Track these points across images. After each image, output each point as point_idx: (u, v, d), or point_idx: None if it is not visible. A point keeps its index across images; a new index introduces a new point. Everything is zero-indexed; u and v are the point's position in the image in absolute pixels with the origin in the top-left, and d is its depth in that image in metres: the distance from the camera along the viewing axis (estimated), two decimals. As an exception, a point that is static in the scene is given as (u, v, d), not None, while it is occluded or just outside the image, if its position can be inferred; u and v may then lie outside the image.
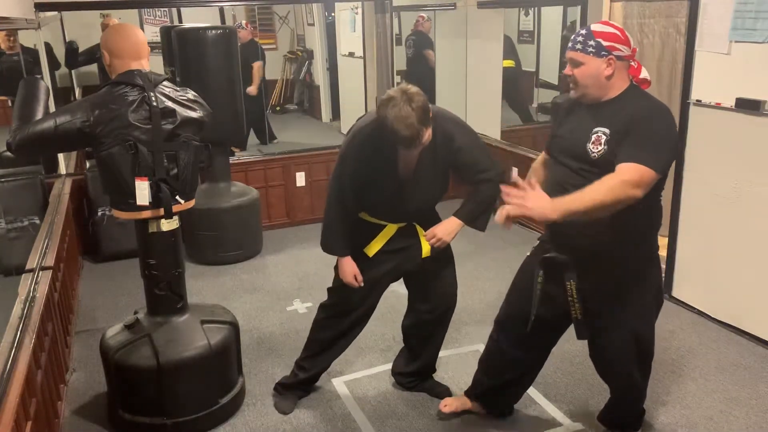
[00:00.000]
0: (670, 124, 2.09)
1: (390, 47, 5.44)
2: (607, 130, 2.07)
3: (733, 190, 3.32)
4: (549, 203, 1.92)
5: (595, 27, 2.09)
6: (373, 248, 2.59)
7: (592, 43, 2.06)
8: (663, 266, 3.90)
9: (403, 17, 7.48)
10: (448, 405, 2.75)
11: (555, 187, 2.21)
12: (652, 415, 2.77)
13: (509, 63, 6.30)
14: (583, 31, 2.10)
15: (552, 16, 7.04)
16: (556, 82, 7.05)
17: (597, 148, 2.08)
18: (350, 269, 2.58)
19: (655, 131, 2.03)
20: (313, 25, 8.98)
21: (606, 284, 2.22)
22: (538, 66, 7.27)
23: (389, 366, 3.09)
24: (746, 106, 3.17)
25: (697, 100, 3.45)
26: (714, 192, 3.43)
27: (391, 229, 2.58)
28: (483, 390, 2.69)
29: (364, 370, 3.17)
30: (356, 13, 7.10)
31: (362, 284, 2.59)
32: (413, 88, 2.24)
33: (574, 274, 2.21)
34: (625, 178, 1.94)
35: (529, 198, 1.92)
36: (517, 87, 6.77)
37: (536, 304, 2.32)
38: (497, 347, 2.56)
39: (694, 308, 3.66)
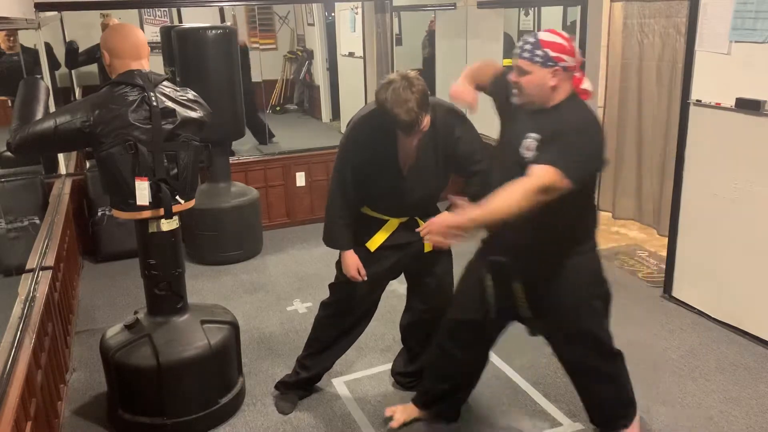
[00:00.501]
0: (596, 139, 2.12)
1: (390, 47, 5.44)
2: (538, 136, 2.11)
3: (733, 190, 3.32)
4: (466, 221, 2.03)
5: (543, 36, 2.09)
6: (375, 242, 2.58)
7: (539, 53, 2.07)
8: (663, 266, 3.93)
9: (404, 17, 7.48)
10: (396, 417, 2.70)
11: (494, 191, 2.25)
12: (652, 415, 2.77)
13: (508, 62, 6.29)
14: (532, 39, 2.09)
15: (552, 16, 7.03)
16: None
17: (528, 153, 2.12)
18: (353, 263, 2.57)
19: (578, 142, 2.07)
20: (313, 25, 8.97)
21: (549, 284, 2.25)
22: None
23: (389, 366, 3.10)
24: (746, 106, 3.17)
25: (697, 100, 3.45)
26: (714, 192, 3.43)
27: (393, 224, 2.57)
28: (434, 397, 2.68)
29: (364, 370, 3.17)
30: (356, 13, 7.10)
31: (366, 278, 2.58)
32: (413, 73, 2.25)
33: (520, 275, 2.26)
34: (535, 184, 2.00)
35: (446, 215, 2.08)
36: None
37: (492, 307, 2.36)
38: (448, 353, 2.55)
39: (694, 308, 3.66)
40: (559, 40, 2.08)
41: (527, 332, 2.41)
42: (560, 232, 2.21)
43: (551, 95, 2.11)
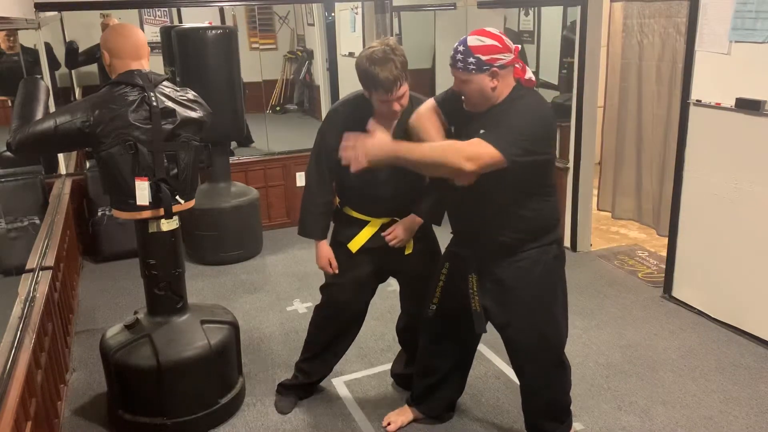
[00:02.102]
0: (536, 121, 2.09)
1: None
2: (484, 131, 2.10)
3: (733, 190, 3.32)
4: (385, 144, 2.02)
5: (472, 41, 2.05)
6: (356, 243, 2.58)
7: (471, 60, 2.04)
8: (663, 266, 3.93)
9: (404, 17, 7.47)
10: (392, 422, 2.72)
11: (448, 189, 2.25)
12: (652, 415, 2.77)
13: None
14: (461, 48, 2.06)
15: (552, 16, 7.03)
16: (556, 82, 7.04)
17: None
18: (325, 254, 2.60)
19: (515, 121, 2.06)
20: (313, 25, 8.97)
21: (505, 279, 2.25)
22: (538, 66, 7.26)
23: (389, 366, 3.10)
24: (746, 106, 3.17)
25: (697, 100, 3.45)
26: (714, 192, 3.43)
27: (375, 225, 2.57)
28: (420, 392, 2.70)
29: (364, 370, 3.17)
30: (356, 13, 7.10)
31: (336, 271, 2.61)
32: (394, 40, 2.28)
33: (476, 269, 2.28)
34: (462, 148, 2.00)
35: (363, 141, 2.01)
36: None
37: (436, 294, 2.41)
38: (426, 346, 2.60)
39: (694, 308, 3.66)
40: (488, 41, 2.05)
41: (475, 328, 2.37)
42: (515, 225, 2.20)
43: (494, 96, 2.10)
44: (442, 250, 2.55)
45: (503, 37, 2.07)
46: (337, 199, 2.64)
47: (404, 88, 2.28)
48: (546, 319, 2.30)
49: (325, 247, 2.61)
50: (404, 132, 2.38)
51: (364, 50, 2.27)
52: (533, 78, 2.15)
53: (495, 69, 2.05)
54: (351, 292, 2.67)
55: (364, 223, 2.58)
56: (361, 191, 2.54)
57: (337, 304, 2.71)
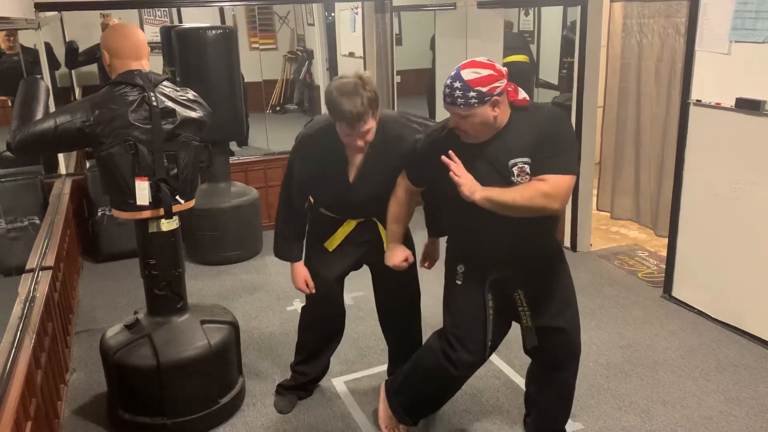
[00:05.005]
0: (571, 125, 2.18)
1: (390, 47, 5.44)
2: (527, 159, 2.07)
3: (733, 189, 3.32)
4: (478, 184, 2.02)
5: (468, 75, 2.01)
6: (333, 242, 2.61)
7: (472, 94, 2.00)
8: (663, 266, 3.93)
9: (404, 17, 7.48)
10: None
11: (471, 223, 2.21)
12: (652, 415, 2.77)
13: (512, 58, 6.23)
14: (458, 84, 2.01)
15: (552, 16, 7.04)
16: (556, 82, 7.05)
17: (524, 179, 2.07)
18: (300, 275, 2.64)
19: (565, 136, 2.11)
20: (313, 25, 8.97)
21: (548, 281, 2.28)
22: (539, 66, 7.27)
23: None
24: (746, 106, 3.17)
25: (697, 100, 3.45)
26: (714, 192, 3.43)
27: (350, 224, 2.59)
28: (423, 416, 2.66)
29: (363, 370, 3.17)
30: (356, 13, 7.10)
31: (313, 291, 2.63)
32: (368, 74, 2.26)
33: (520, 284, 2.26)
34: (546, 190, 2.01)
35: (466, 176, 2.04)
36: (527, 83, 6.70)
37: (491, 330, 2.29)
38: (456, 377, 2.41)
39: (694, 308, 3.66)
40: (484, 71, 2.01)
41: (523, 346, 2.36)
42: (551, 231, 2.26)
43: (496, 124, 2.08)
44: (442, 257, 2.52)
45: (494, 63, 2.06)
46: (312, 199, 2.64)
47: (369, 125, 2.26)
48: (577, 309, 2.36)
49: (301, 268, 2.64)
50: (379, 153, 2.39)
51: (335, 79, 2.25)
52: (527, 97, 2.13)
53: (496, 98, 2.03)
54: (332, 288, 2.69)
55: (340, 222, 2.59)
56: (338, 201, 2.55)
57: (320, 302, 2.72)
